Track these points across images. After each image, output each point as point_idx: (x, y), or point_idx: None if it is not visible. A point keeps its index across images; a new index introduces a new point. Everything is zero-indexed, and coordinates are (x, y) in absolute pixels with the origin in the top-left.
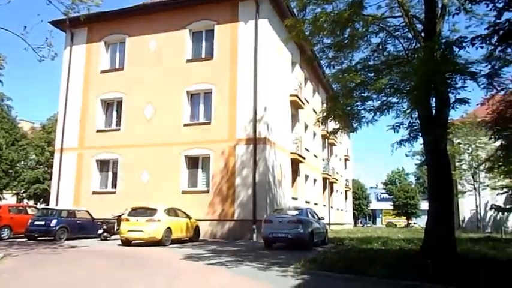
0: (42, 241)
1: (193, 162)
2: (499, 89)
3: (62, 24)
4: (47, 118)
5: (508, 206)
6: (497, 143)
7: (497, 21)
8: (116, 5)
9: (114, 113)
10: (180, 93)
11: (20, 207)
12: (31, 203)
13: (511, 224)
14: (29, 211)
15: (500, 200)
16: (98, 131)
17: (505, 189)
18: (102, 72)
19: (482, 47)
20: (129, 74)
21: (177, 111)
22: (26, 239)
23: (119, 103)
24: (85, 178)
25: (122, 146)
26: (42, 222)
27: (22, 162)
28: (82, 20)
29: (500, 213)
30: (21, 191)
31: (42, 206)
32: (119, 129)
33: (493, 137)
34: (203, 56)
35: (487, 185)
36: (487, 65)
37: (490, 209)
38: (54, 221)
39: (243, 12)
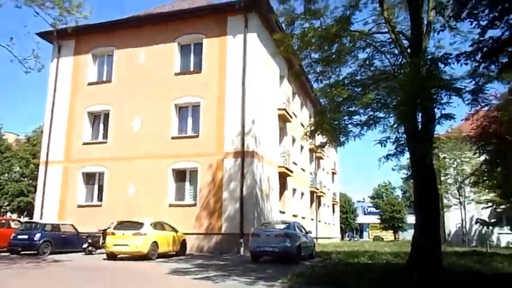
0: (25, 255)
1: (180, 176)
2: (483, 104)
3: (50, 36)
4: (32, 130)
5: (492, 220)
6: (482, 158)
7: (481, 38)
8: (105, 17)
9: (101, 126)
10: (168, 106)
11: (3, 221)
12: (14, 216)
13: (495, 238)
14: (12, 225)
15: (485, 214)
16: (85, 143)
17: (489, 204)
18: (90, 84)
19: (466, 64)
20: (117, 86)
21: (165, 124)
22: (8, 253)
23: (106, 116)
24: (70, 191)
25: (108, 159)
26: (26, 236)
27: (6, 175)
28: (70, 32)
29: (485, 227)
30: (5, 204)
31: (26, 219)
32: (105, 142)
33: (477, 151)
34: (191, 69)
35: (472, 199)
36: (471, 81)
37: (475, 223)
38: (37, 235)
39: (231, 26)
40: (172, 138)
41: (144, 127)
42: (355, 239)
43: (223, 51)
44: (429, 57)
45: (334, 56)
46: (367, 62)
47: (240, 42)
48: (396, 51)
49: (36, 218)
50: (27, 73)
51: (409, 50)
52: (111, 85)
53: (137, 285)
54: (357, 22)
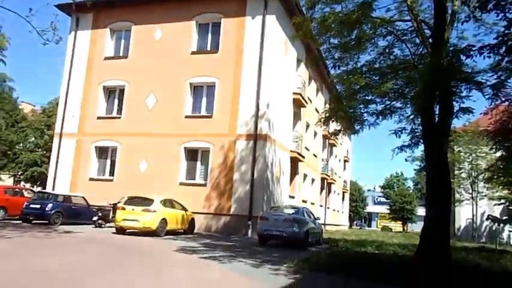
0: (36, 224)
1: (192, 155)
2: (503, 99)
3: (68, 9)
4: (48, 101)
5: (504, 218)
6: (498, 154)
7: (507, 31)
8: None
9: (116, 101)
10: (183, 85)
11: (16, 190)
12: (28, 185)
13: (506, 235)
14: (25, 194)
15: (497, 211)
16: (99, 117)
17: (502, 200)
18: (106, 59)
19: (489, 57)
20: (133, 62)
21: (179, 103)
22: (20, 222)
23: (121, 91)
24: (83, 164)
25: (121, 134)
26: (38, 206)
27: (21, 144)
28: (88, 5)
29: (496, 224)
30: (19, 173)
31: (39, 189)
32: (119, 117)
33: (494, 147)
34: (208, 48)
35: (485, 195)
36: (493, 75)
37: (487, 219)
38: (49, 205)
39: (251, 7)
40: (186, 117)
41: (158, 104)
42: (365, 228)
43: (241, 32)
44: (451, 48)
45: (353, 42)
46: (387, 50)
47: (258, 24)
48: (417, 41)
49: (48, 188)
50: (45, 45)
51: (430, 40)
52: (127, 61)
53: (144, 261)
54: (379, 8)
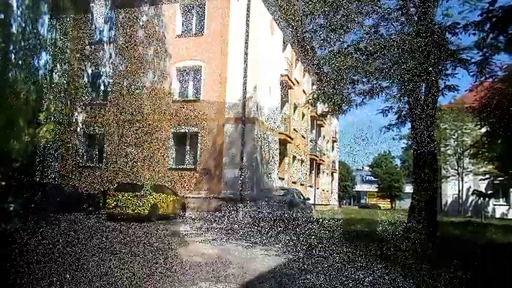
0: None
1: (180, 140)
2: (488, 76)
3: None
4: None
5: (489, 192)
6: (483, 130)
7: (491, 8)
8: None
9: (102, 87)
10: (169, 69)
11: None
12: None
13: (491, 209)
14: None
15: (482, 186)
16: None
17: (487, 176)
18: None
19: (474, 34)
20: (118, 47)
21: (166, 87)
22: None
23: (107, 76)
24: (71, 150)
25: (110, 120)
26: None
27: None
28: None
29: (481, 198)
30: None
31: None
32: (106, 104)
33: (479, 123)
34: (193, 31)
35: (471, 171)
36: (478, 52)
37: (472, 194)
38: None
39: None
40: (174, 101)
41: (145, 90)
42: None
43: (227, 14)
44: (436, 26)
45: (339, 22)
46: (373, 30)
47: (243, 5)
48: (403, 19)
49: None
50: None
51: (416, 18)
52: (112, 45)
53: (136, 246)
54: None
